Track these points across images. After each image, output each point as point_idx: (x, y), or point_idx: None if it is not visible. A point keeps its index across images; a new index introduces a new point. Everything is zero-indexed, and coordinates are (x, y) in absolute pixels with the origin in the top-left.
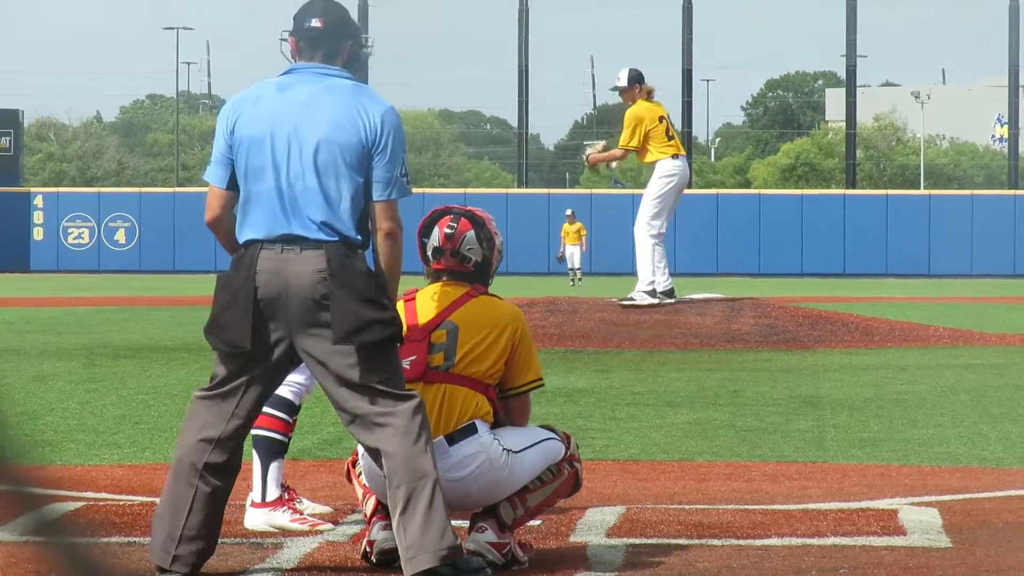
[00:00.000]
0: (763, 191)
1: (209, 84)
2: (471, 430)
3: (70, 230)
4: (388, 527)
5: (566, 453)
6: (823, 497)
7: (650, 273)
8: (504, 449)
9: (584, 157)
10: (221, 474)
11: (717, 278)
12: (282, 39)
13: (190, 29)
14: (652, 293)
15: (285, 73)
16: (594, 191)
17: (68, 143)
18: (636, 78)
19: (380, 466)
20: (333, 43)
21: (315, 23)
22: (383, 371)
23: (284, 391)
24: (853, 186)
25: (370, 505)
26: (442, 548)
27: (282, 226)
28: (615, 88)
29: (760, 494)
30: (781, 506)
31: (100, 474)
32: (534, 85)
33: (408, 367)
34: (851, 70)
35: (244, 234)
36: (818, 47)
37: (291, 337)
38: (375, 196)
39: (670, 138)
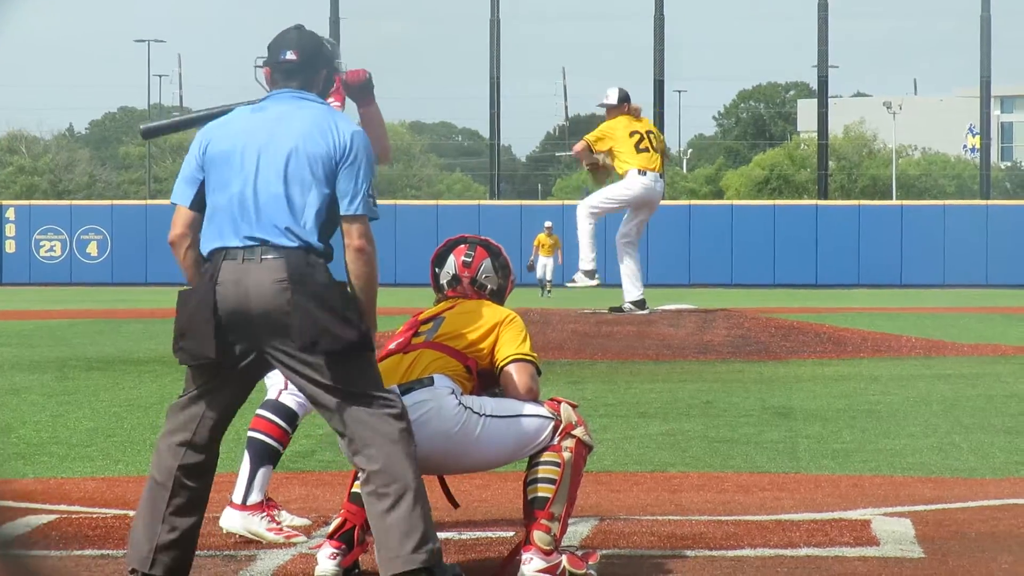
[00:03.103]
0: (735, 202)
1: (181, 97)
2: (428, 382)
3: (42, 243)
4: (335, 556)
5: (554, 431)
6: (796, 508)
7: (588, 253)
8: (464, 406)
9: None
10: (196, 475)
11: (689, 289)
12: (256, 66)
13: (161, 42)
14: (590, 274)
15: (263, 99)
16: (566, 202)
17: (40, 156)
18: (624, 98)
19: (360, 470)
20: (308, 74)
21: (290, 55)
22: (357, 378)
23: (289, 400)
24: (825, 197)
25: (333, 526)
26: (420, 553)
27: (244, 230)
28: (603, 105)
29: (733, 505)
30: (754, 517)
31: (73, 487)
32: (506, 97)
33: (393, 348)
34: (823, 81)
35: (208, 243)
36: (790, 58)
37: (258, 346)
38: (342, 210)
39: (641, 150)
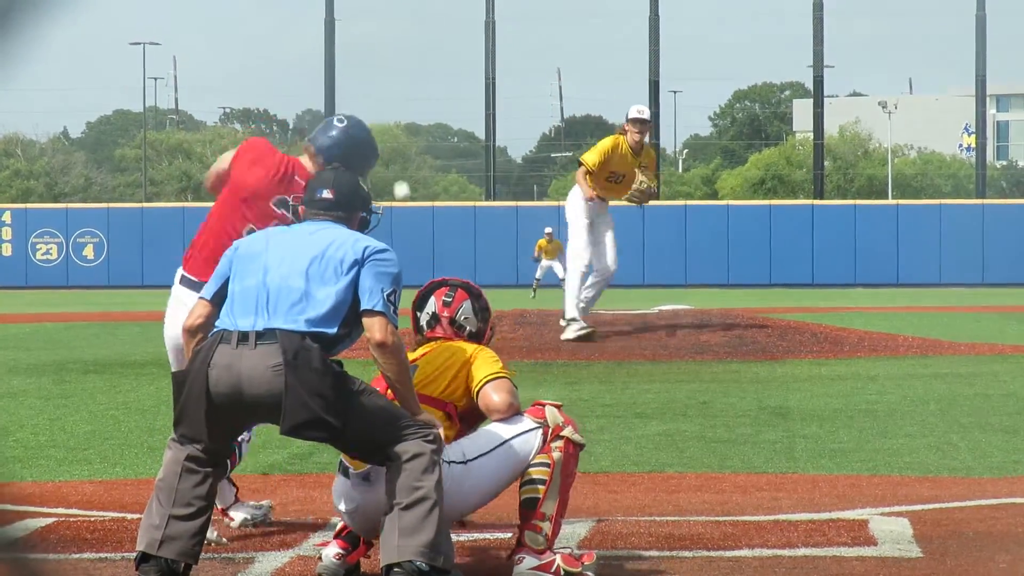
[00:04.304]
0: (731, 202)
1: (176, 99)
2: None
3: (38, 246)
4: (341, 556)
5: (544, 438)
6: (793, 508)
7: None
8: (444, 462)
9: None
10: (205, 464)
11: (686, 289)
12: (292, 203)
13: (157, 44)
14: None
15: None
16: (561, 203)
17: (35, 159)
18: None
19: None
20: (344, 212)
21: (326, 194)
22: (378, 429)
23: None
24: (821, 197)
25: (340, 525)
26: (423, 549)
27: (247, 319)
28: (647, 120)
29: (731, 505)
30: (752, 517)
31: (71, 490)
32: (501, 98)
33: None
34: (818, 81)
35: (218, 324)
36: (785, 58)
37: (254, 421)
38: (363, 305)
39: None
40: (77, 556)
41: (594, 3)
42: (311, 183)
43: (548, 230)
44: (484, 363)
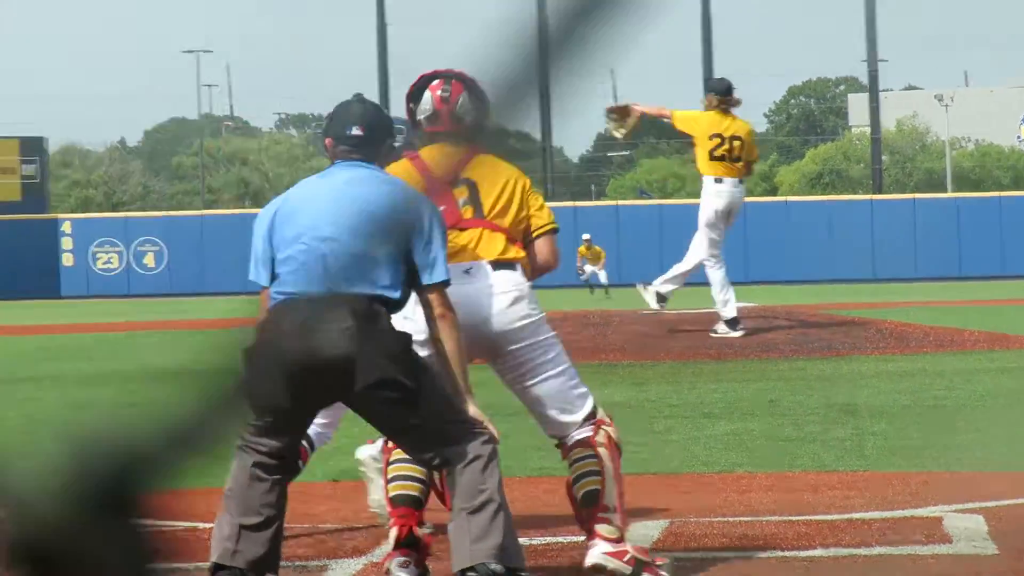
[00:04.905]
0: (790, 198)
1: (231, 106)
2: (513, 266)
3: (99, 255)
4: (406, 565)
5: (591, 417)
6: (866, 506)
7: (720, 302)
8: (546, 321)
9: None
10: (275, 470)
11: (746, 287)
12: (316, 132)
13: (209, 52)
14: (731, 323)
15: (329, 167)
16: (620, 203)
17: (93, 169)
18: (713, 89)
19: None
20: (373, 147)
21: (356, 131)
22: (438, 411)
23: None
24: (880, 191)
25: (392, 538)
26: (495, 551)
27: (311, 283)
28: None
29: (803, 504)
30: (825, 516)
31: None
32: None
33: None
34: (873, 75)
35: (274, 293)
36: (839, 52)
37: (327, 394)
38: (424, 279)
39: (718, 158)
40: (149, 567)
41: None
42: (338, 118)
43: (586, 237)
44: (542, 211)
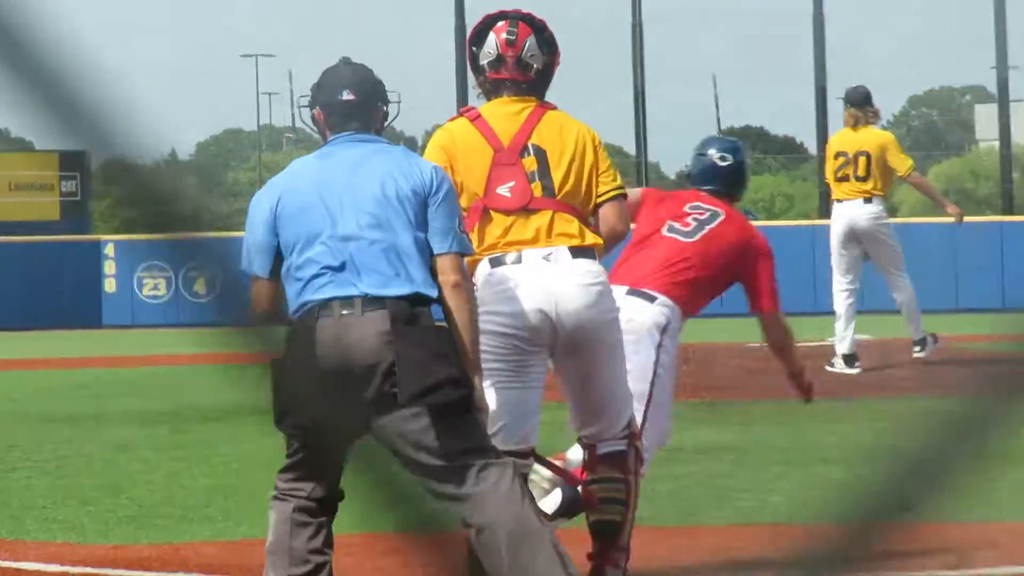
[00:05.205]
0: (911, 219)
1: (293, 116)
2: (592, 254)
3: (145, 281)
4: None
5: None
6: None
7: (839, 336)
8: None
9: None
10: (319, 511)
11: (862, 315)
12: (302, 107)
13: (270, 56)
14: (848, 360)
15: (323, 146)
16: None
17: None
18: (849, 99)
19: (473, 548)
20: (367, 112)
21: (347, 95)
22: (467, 438)
23: None
24: (1011, 212)
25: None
26: None
27: (342, 287)
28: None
29: (950, 557)
30: (990, 570)
31: (190, 552)
32: (651, 108)
33: (510, 195)
34: (1003, 84)
35: (299, 301)
36: (964, 59)
37: (363, 410)
38: (436, 248)
39: (840, 179)
40: None
41: (752, 2)
42: (326, 84)
43: None
44: (609, 173)
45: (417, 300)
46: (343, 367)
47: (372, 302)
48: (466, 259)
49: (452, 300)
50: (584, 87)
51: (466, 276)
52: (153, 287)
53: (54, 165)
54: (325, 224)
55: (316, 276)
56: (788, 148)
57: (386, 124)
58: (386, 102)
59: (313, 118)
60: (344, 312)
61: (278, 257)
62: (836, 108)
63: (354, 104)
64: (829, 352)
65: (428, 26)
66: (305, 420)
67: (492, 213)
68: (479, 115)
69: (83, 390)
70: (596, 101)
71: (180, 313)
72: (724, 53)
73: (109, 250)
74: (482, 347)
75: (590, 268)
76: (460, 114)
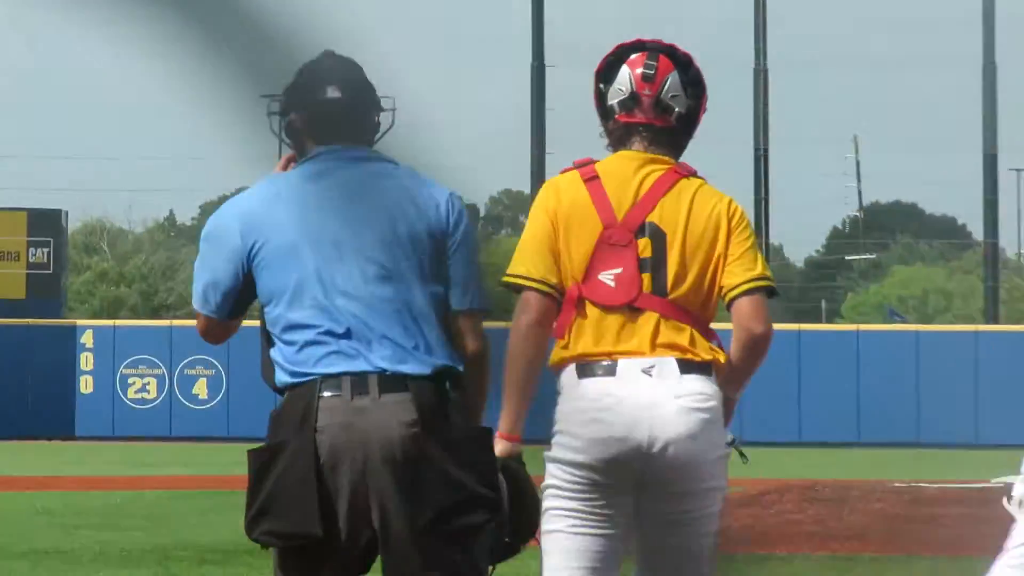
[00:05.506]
0: None
1: None
2: (707, 372)
3: (131, 380)
4: None
5: None
6: None
7: None
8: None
9: None
10: None
11: None
12: (272, 113)
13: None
14: None
15: (306, 160)
16: (860, 327)
17: (128, 256)
18: None
19: None
20: (358, 117)
21: (334, 93)
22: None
23: None
24: None
25: None
26: None
27: (350, 360)
28: None
29: None
30: None
31: None
32: (776, 176)
33: (614, 284)
34: None
35: (291, 369)
36: None
37: (365, 516)
38: (455, 304)
39: None
40: None
41: (906, 46)
42: (304, 83)
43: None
44: (747, 257)
45: (444, 377)
46: (353, 459)
47: (390, 381)
48: (551, 359)
49: (472, 371)
50: (695, 145)
51: (486, 341)
52: (141, 388)
53: (20, 227)
54: (319, 274)
55: (313, 344)
56: (947, 231)
57: (378, 138)
58: (379, 109)
59: (287, 128)
60: (357, 393)
61: (243, 297)
62: (1009, 180)
63: (343, 104)
64: (994, 496)
65: (498, 69)
66: (288, 525)
67: (589, 306)
68: (595, 173)
69: (47, 518)
70: (709, 165)
71: (173, 422)
72: (868, 109)
73: (87, 338)
74: (552, 479)
75: (702, 389)
76: (574, 166)
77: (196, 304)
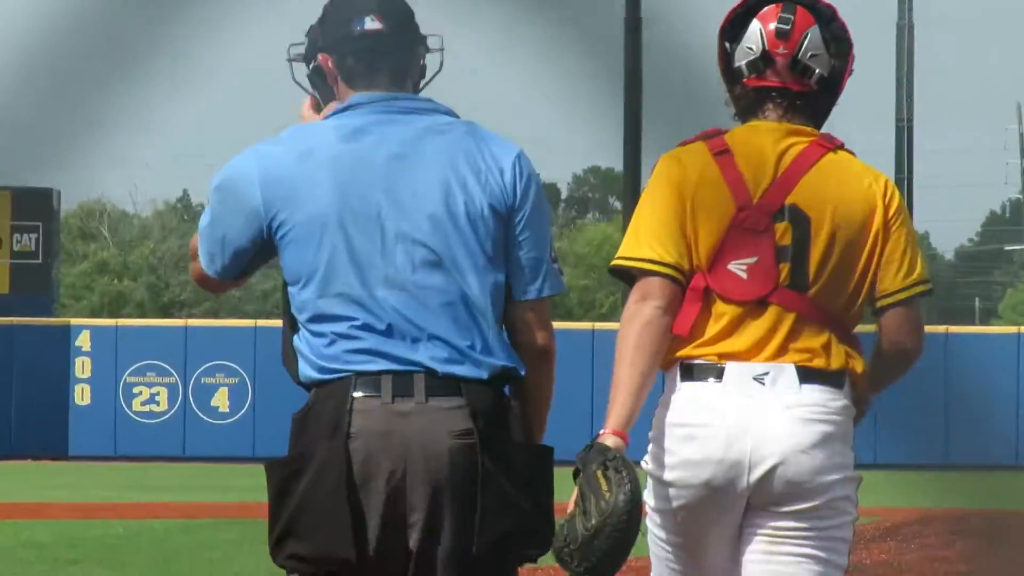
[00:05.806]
0: None
1: None
2: (836, 382)
3: (136, 389)
4: None
5: None
6: None
7: None
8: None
9: None
10: None
11: None
12: (293, 59)
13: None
14: None
15: (341, 111)
16: (1023, 330)
17: (132, 244)
18: None
19: None
20: (402, 54)
21: (373, 24)
22: None
23: None
24: None
25: None
26: None
27: (392, 358)
28: None
29: None
30: None
31: None
32: (922, 153)
33: (746, 275)
34: None
35: (319, 364)
36: None
37: (407, 537)
38: (520, 292)
39: None
40: None
41: None
42: (335, 14)
43: None
44: (905, 258)
45: (503, 380)
46: (394, 471)
47: (440, 384)
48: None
49: (536, 371)
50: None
51: (553, 335)
52: (148, 399)
53: (3, 209)
54: (356, 258)
55: (348, 336)
56: None
57: (424, 85)
58: (426, 48)
59: (315, 71)
60: (399, 395)
61: (253, 261)
62: None
63: (384, 39)
64: None
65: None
66: (317, 549)
67: (715, 298)
68: (726, 146)
69: (35, 552)
70: (837, 134)
71: (188, 440)
72: None
73: (83, 340)
74: (650, 497)
75: (826, 401)
76: (699, 138)
77: (203, 263)
